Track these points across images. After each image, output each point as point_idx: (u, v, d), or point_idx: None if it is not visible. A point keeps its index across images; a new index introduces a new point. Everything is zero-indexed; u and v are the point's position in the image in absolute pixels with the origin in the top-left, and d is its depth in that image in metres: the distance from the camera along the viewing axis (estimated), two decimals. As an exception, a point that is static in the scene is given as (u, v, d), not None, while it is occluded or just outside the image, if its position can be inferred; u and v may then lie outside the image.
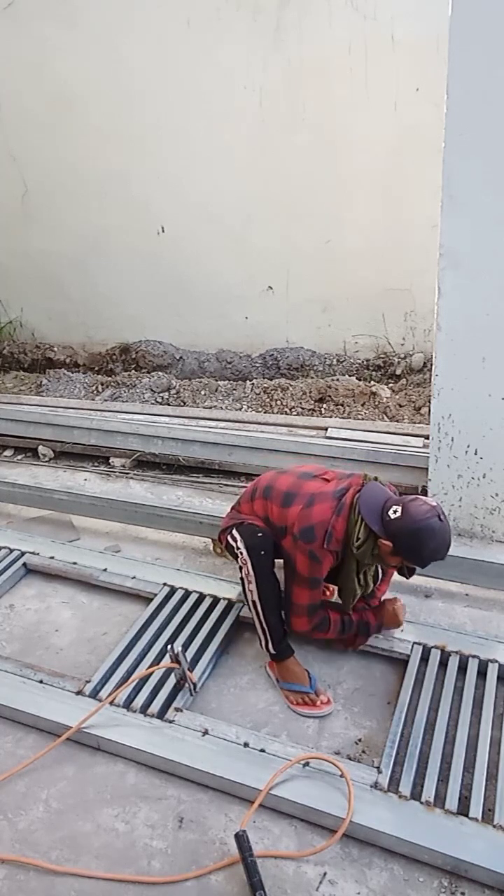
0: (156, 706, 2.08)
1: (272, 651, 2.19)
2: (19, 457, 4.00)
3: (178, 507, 3.05)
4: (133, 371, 5.02)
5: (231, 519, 2.35)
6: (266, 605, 2.14)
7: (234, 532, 2.21)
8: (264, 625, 2.16)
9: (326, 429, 3.65)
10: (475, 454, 2.74)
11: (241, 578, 2.19)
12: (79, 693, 2.15)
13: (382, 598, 2.37)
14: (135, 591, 2.65)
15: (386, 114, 4.01)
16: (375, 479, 2.16)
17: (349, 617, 2.23)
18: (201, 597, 2.55)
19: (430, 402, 2.80)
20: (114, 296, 5.15)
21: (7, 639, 2.51)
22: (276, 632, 2.16)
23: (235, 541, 2.19)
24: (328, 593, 2.48)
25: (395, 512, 1.95)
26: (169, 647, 2.11)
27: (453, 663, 2.20)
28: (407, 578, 2.18)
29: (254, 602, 2.15)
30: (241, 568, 2.18)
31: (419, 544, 1.92)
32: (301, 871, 1.69)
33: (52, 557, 2.83)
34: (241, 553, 2.16)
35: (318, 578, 2.10)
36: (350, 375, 4.58)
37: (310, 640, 2.33)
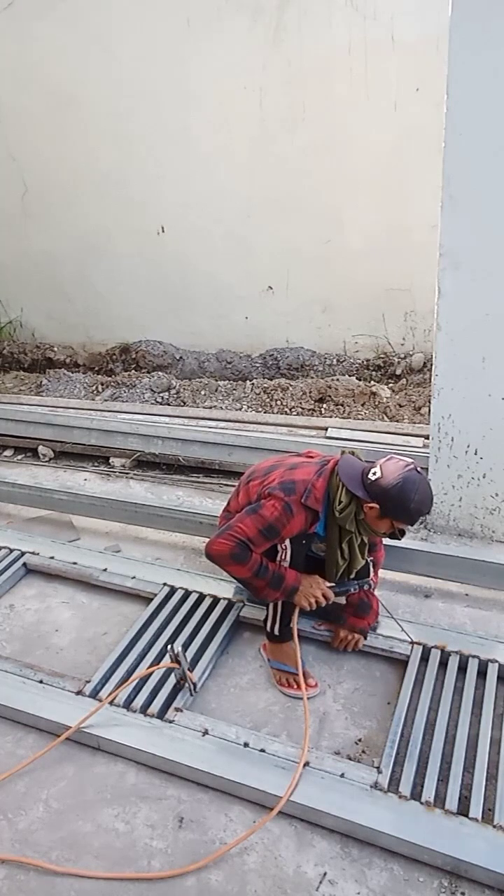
0: (156, 706, 2.08)
1: (276, 633, 2.21)
2: (19, 457, 4.00)
3: (178, 507, 3.05)
4: (133, 371, 5.02)
5: (224, 519, 2.37)
6: None
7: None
8: (279, 605, 2.18)
9: (326, 429, 3.65)
10: (475, 454, 2.74)
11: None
12: (79, 693, 2.14)
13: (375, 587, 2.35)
14: (135, 591, 2.65)
15: (386, 114, 4.02)
16: (352, 453, 2.18)
17: (267, 562, 2.06)
18: (201, 597, 2.55)
19: (430, 402, 2.80)
20: (114, 296, 5.15)
21: (7, 639, 2.51)
22: (286, 615, 2.18)
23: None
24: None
25: (374, 474, 1.98)
26: (169, 647, 2.10)
27: (453, 663, 2.20)
28: (399, 540, 2.14)
29: None
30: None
31: (404, 498, 1.93)
32: (301, 871, 1.69)
33: (52, 557, 2.83)
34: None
35: (277, 530, 2.02)
36: (350, 375, 4.58)
37: (311, 640, 2.33)
